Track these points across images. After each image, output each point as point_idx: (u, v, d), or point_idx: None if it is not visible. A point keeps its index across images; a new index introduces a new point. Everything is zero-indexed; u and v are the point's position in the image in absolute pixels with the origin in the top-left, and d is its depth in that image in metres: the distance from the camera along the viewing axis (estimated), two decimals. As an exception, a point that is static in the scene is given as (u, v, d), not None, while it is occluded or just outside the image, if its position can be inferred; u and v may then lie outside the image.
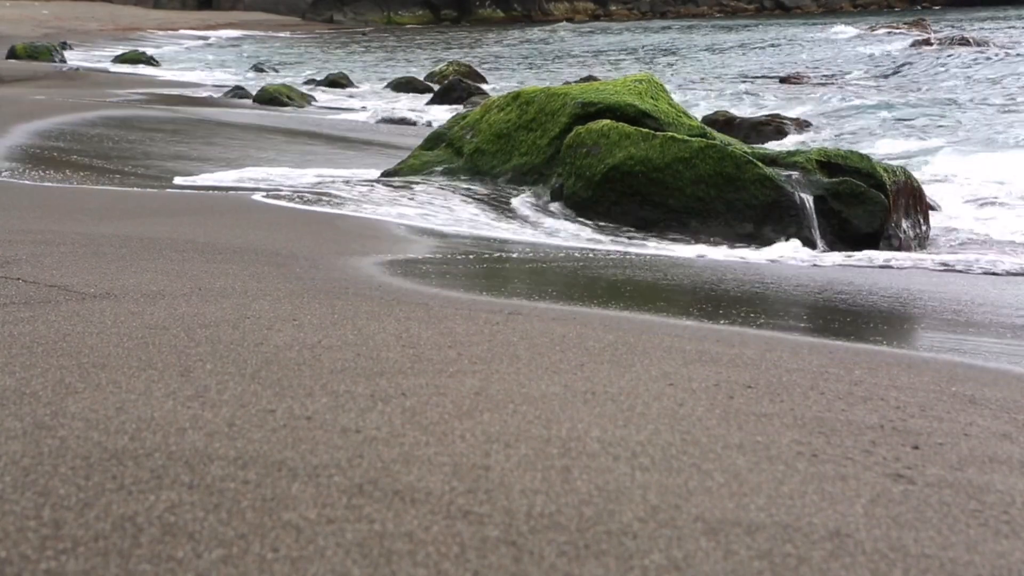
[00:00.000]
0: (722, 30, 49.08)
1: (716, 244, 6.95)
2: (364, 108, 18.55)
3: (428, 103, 19.17)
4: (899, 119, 16.55)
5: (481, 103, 10.73)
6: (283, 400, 2.49)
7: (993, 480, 2.29)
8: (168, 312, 3.36)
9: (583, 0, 72.29)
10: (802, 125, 15.18)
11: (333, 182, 8.25)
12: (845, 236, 7.16)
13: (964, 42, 28.61)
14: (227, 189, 7.71)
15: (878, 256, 6.75)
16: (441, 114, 16.53)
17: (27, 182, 7.35)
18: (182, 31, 53.34)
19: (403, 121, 15.67)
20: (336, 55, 38.64)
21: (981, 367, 3.59)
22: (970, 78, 21.66)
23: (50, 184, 7.30)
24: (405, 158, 9.08)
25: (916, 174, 8.47)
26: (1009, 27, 38.15)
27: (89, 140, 10.60)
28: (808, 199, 7.17)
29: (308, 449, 2.17)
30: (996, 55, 25.41)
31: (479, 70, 25.20)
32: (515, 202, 7.74)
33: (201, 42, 46.28)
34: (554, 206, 7.63)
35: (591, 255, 6.12)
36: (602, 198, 7.35)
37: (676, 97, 9.04)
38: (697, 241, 7.00)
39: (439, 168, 8.50)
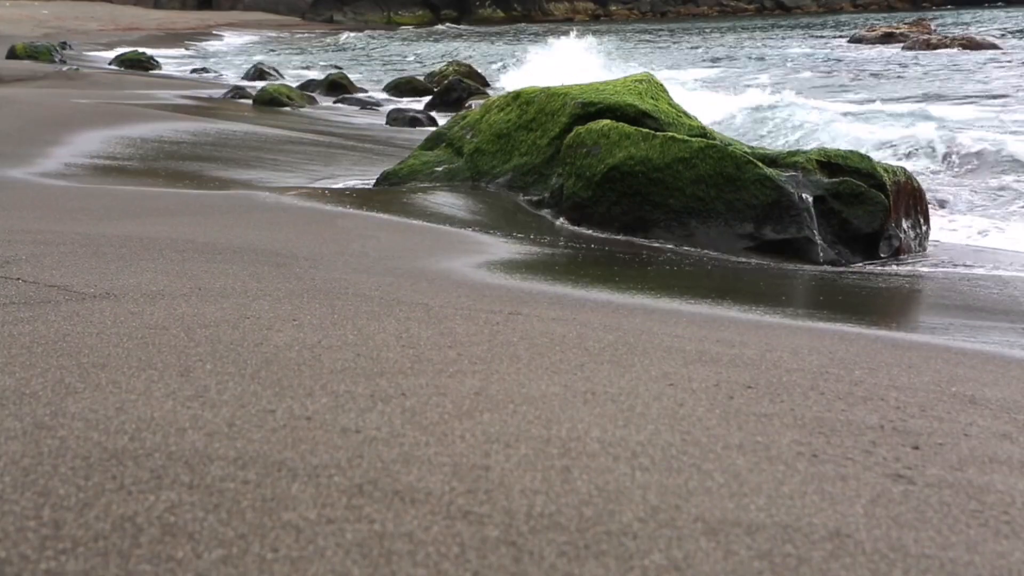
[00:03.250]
0: (722, 30, 49.07)
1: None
2: (365, 109, 18.55)
3: (428, 104, 19.15)
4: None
5: (481, 103, 10.72)
6: (283, 400, 2.49)
7: (993, 480, 2.29)
8: (168, 312, 3.36)
9: (583, 0, 72.40)
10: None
11: (329, 182, 8.24)
12: (845, 236, 7.16)
13: (966, 44, 28.59)
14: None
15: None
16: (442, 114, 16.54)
17: (30, 180, 7.34)
18: (182, 31, 53.35)
19: (407, 121, 15.66)
20: (336, 55, 38.62)
21: (981, 367, 3.59)
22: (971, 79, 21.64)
23: (49, 183, 7.29)
24: (405, 158, 9.08)
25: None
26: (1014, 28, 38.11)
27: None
28: (808, 199, 7.16)
29: (308, 449, 2.17)
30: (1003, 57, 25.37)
31: (479, 70, 25.17)
32: (514, 201, 7.74)
33: (201, 42, 46.27)
34: (552, 209, 7.63)
35: (593, 253, 6.12)
36: (602, 198, 7.35)
37: (675, 97, 9.00)
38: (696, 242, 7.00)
39: (439, 168, 8.49)
